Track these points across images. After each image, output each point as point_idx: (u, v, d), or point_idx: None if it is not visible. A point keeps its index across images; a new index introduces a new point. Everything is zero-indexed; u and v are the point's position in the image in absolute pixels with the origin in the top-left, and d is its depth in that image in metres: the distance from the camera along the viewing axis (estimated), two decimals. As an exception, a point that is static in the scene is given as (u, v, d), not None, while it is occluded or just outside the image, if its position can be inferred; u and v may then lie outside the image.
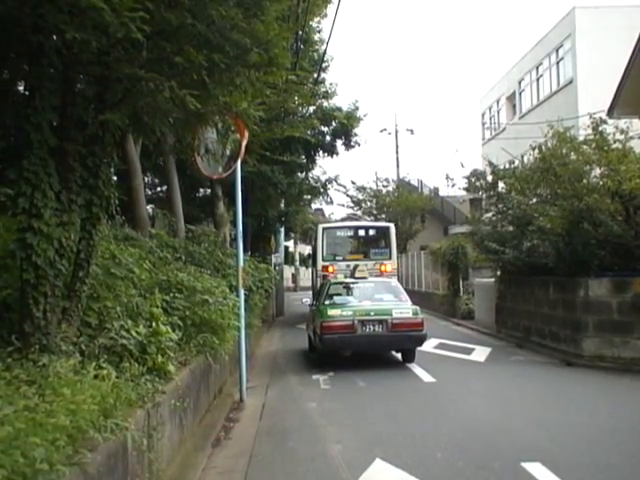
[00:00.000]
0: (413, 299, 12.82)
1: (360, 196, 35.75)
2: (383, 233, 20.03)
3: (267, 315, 21.17)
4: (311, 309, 13.67)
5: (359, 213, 35.38)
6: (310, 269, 27.66)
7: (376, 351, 12.38)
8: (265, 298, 15.46)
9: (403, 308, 11.71)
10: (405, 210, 32.90)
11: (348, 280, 13.43)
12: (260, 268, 13.28)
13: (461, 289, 21.21)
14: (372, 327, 11.26)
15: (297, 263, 49.55)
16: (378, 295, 12.30)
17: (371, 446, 6.36)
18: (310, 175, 23.41)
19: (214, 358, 7.72)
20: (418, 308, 11.96)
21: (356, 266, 14.24)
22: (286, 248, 37.09)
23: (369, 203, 35.71)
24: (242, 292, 9.00)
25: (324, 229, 20.00)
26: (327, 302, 12.12)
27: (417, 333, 11.41)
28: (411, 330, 11.36)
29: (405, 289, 13.79)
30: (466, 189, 19.37)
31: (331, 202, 30.31)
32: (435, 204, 37.04)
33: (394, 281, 14.25)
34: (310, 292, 22.33)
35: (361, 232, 20.99)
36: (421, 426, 7.22)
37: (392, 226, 20.48)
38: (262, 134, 11.28)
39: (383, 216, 33.66)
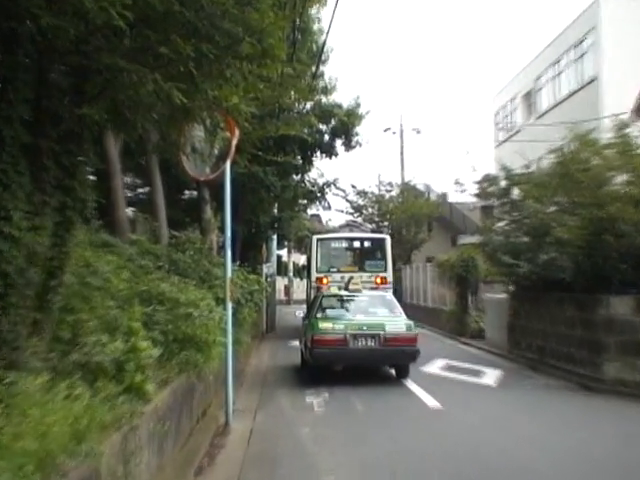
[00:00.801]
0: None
1: (361, 201, 35.76)
2: (379, 245, 20.61)
3: (257, 331, 21.20)
4: (303, 322, 14.07)
5: (359, 220, 35.35)
6: (304, 281, 27.78)
7: (368, 366, 12.81)
8: (255, 312, 15.47)
9: (397, 322, 12.20)
10: (410, 217, 32.96)
11: (341, 293, 13.93)
12: (250, 279, 13.31)
13: (470, 305, 21.24)
14: (364, 341, 11.71)
15: (291, 274, 49.67)
16: (372, 309, 12.82)
17: (368, 478, 6.35)
18: (306, 178, 23.49)
19: (198, 377, 7.73)
20: (412, 323, 12.40)
21: (350, 278, 14.89)
22: (279, 257, 37.13)
23: (370, 209, 35.72)
24: (230, 305, 9.00)
25: (318, 240, 20.52)
26: (319, 315, 12.56)
27: (410, 348, 11.87)
28: (404, 345, 11.82)
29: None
30: (477, 195, 19.38)
31: (329, 208, 30.41)
32: (443, 211, 37.03)
33: (389, 295, 14.85)
34: (304, 305, 22.47)
35: (356, 243, 21.50)
36: (423, 461, 7.09)
37: (388, 238, 21.19)
38: (254, 132, 11.29)
39: (386, 224, 33.72)
